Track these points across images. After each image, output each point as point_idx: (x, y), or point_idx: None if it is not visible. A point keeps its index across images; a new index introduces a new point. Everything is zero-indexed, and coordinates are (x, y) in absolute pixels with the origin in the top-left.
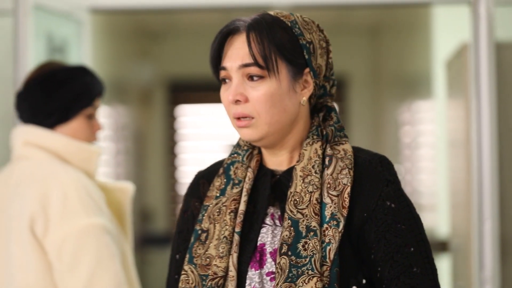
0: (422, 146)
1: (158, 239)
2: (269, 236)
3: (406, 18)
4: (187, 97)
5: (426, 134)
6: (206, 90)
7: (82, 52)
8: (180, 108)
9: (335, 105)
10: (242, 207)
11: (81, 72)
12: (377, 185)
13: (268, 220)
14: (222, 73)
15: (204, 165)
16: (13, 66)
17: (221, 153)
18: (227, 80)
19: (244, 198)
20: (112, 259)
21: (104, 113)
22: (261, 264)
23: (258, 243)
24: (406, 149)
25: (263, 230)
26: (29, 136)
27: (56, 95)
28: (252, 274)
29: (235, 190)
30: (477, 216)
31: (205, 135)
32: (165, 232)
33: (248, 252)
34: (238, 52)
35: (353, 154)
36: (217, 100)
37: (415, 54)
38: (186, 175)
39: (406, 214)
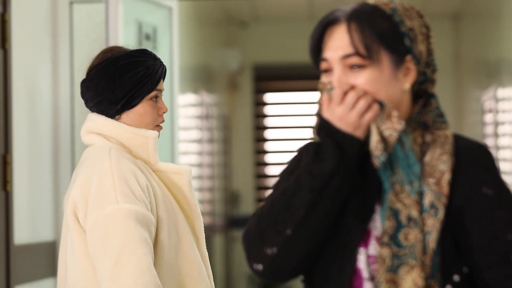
0: (505, 135)
1: (245, 221)
2: (376, 222)
3: (489, 3)
4: (274, 85)
5: (509, 123)
6: (293, 79)
7: (171, 40)
8: (266, 95)
9: (435, 92)
10: None
11: (143, 56)
12: (475, 171)
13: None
14: (323, 64)
15: (289, 152)
16: None
17: (307, 141)
18: (328, 71)
19: None
20: (137, 244)
21: (191, 101)
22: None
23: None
24: (489, 138)
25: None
26: (90, 125)
27: (119, 82)
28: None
29: None
30: None
31: (291, 122)
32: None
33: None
34: (339, 43)
35: (453, 141)
36: (303, 88)
37: (498, 40)
38: (271, 162)
39: (504, 201)
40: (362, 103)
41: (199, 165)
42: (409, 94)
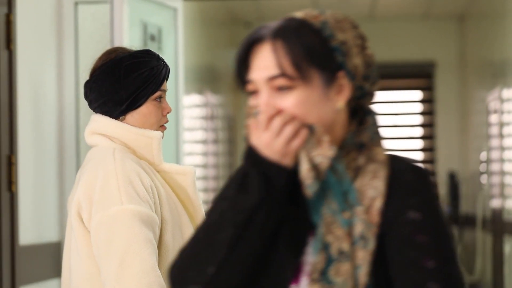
0: (510, 135)
1: None
2: (308, 255)
3: (494, 4)
4: None
5: None
6: None
7: (176, 40)
8: None
9: (374, 107)
10: None
11: (147, 57)
12: (405, 195)
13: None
14: (250, 86)
15: None
16: None
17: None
18: (256, 92)
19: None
20: (142, 245)
21: (196, 101)
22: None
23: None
24: (494, 138)
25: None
26: (94, 126)
27: (124, 83)
28: None
29: None
30: None
31: None
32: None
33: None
34: (264, 63)
35: (387, 163)
36: None
37: (503, 41)
38: None
39: (430, 226)
40: (288, 129)
41: (204, 166)
42: (344, 112)
